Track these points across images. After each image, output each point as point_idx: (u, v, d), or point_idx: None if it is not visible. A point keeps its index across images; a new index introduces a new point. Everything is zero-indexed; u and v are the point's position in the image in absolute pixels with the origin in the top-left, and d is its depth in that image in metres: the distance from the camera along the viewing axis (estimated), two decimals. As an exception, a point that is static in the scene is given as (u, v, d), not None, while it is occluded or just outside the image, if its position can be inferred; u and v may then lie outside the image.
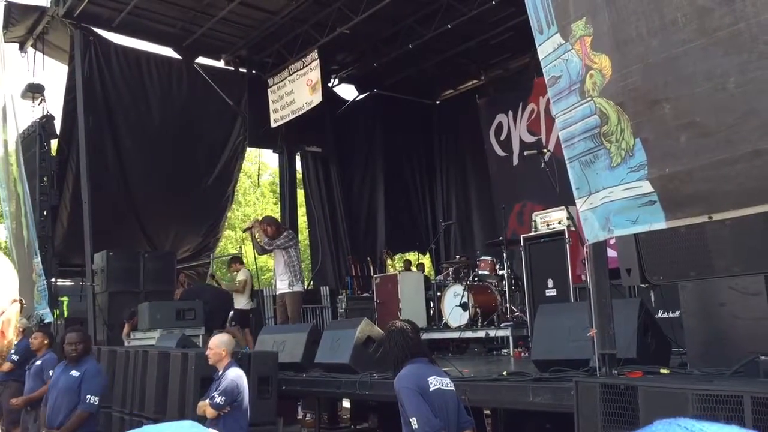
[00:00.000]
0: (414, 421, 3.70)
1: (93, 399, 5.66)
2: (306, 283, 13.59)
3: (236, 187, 14.97)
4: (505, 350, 8.13)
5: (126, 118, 11.78)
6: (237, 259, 12.06)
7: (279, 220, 10.31)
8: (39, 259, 10.63)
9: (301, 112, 11.94)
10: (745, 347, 3.68)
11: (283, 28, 11.95)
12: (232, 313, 10.67)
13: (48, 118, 11.49)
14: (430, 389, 3.82)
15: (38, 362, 7.15)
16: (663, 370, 3.87)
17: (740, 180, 2.74)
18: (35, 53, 11.88)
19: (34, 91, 11.63)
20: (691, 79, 2.86)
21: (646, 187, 3.07)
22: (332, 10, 11.08)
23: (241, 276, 11.19)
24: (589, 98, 3.32)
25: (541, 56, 3.66)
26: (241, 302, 10.81)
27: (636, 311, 4.37)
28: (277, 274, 9.45)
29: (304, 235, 17.75)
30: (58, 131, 11.45)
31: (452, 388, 3.99)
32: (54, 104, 14.89)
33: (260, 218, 9.66)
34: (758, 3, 2.61)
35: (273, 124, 12.63)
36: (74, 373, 5.71)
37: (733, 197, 2.80)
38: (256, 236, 9.38)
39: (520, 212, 12.04)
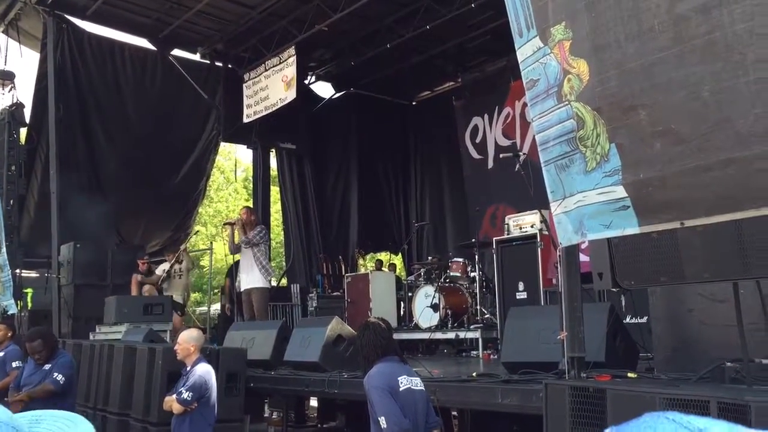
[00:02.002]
0: (383, 421, 3.68)
1: (59, 377, 5.68)
2: (278, 280, 13.55)
3: (209, 183, 14.82)
4: (475, 352, 8.17)
5: (98, 107, 11.59)
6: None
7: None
8: (4, 249, 10.42)
9: (274, 108, 11.85)
10: (712, 353, 3.73)
11: (261, 23, 11.86)
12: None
13: (18, 106, 11.26)
14: (400, 389, 3.81)
15: (0, 354, 7.03)
16: (631, 375, 3.92)
17: (712, 187, 2.77)
18: (8, 40, 11.67)
19: (4, 77, 11.39)
20: (666, 87, 2.89)
21: (620, 192, 3.09)
22: (311, 7, 11.02)
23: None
24: (566, 102, 3.33)
25: (519, 59, 3.67)
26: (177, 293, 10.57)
27: (606, 316, 4.42)
28: (242, 269, 9.35)
29: (275, 232, 17.64)
30: (27, 120, 11.24)
31: (422, 387, 3.98)
32: (25, 92, 14.62)
33: (244, 217, 9.45)
34: (734, 13, 2.64)
35: (245, 120, 12.52)
36: (46, 366, 5.78)
37: (705, 204, 2.83)
38: (236, 233, 9.29)
39: (494, 215, 12.10)
